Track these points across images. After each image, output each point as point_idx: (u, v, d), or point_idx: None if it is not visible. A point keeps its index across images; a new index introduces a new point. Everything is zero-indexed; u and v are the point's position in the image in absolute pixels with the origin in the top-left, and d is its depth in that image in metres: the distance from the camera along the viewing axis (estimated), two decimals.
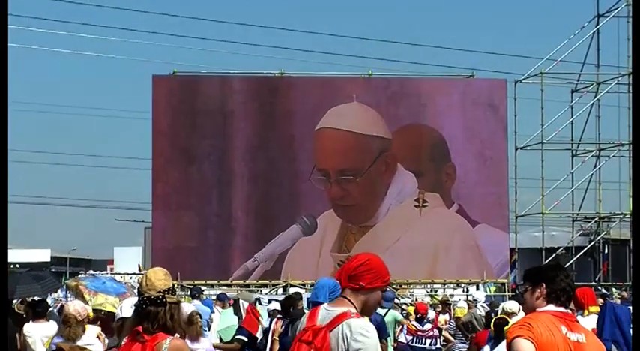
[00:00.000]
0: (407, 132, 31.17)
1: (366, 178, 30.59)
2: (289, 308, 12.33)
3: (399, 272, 30.90)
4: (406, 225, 30.67)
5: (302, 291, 26.51)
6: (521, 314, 6.37)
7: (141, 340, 5.65)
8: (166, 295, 5.75)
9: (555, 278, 5.57)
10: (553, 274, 5.59)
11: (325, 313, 5.46)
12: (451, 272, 30.78)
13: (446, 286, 31.98)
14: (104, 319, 10.64)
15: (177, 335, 5.73)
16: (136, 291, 12.77)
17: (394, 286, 31.03)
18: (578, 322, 5.66)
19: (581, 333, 5.52)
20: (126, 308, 7.40)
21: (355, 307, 5.44)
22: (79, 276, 21.23)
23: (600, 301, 13.48)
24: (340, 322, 5.34)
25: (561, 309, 5.54)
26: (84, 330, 9.46)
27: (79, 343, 9.29)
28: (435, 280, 31.73)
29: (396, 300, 27.94)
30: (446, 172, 31.24)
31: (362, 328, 5.30)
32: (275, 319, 13.22)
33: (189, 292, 22.43)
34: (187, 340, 6.51)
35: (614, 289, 33.65)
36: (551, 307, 5.51)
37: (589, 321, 11.16)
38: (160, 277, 5.85)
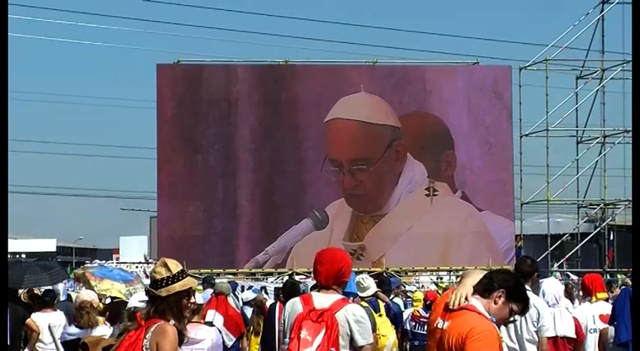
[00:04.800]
0: (410, 120, 31.16)
1: (378, 167, 30.64)
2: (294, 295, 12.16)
3: (411, 260, 31.01)
4: (417, 213, 30.72)
5: (309, 280, 26.54)
6: None
7: (136, 327, 5.84)
8: (150, 289, 5.87)
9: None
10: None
11: (321, 299, 6.58)
12: (463, 260, 30.80)
13: (452, 273, 32.00)
14: (112, 309, 10.67)
15: (172, 322, 5.82)
16: (142, 280, 12.82)
17: (399, 273, 31.11)
18: (459, 309, 5.47)
19: (448, 320, 5.42)
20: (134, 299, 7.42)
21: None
22: (87, 265, 21.26)
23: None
24: (342, 306, 6.48)
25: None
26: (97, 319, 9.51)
27: (96, 331, 9.31)
28: (441, 268, 31.77)
29: (401, 287, 28.01)
30: (446, 160, 31.25)
31: (362, 314, 6.51)
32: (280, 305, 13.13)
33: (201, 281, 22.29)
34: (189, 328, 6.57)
35: (619, 276, 33.64)
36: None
37: (597, 307, 11.18)
38: (153, 271, 5.93)
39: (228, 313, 13.38)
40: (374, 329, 9.20)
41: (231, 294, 14.93)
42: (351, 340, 6.49)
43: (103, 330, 9.33)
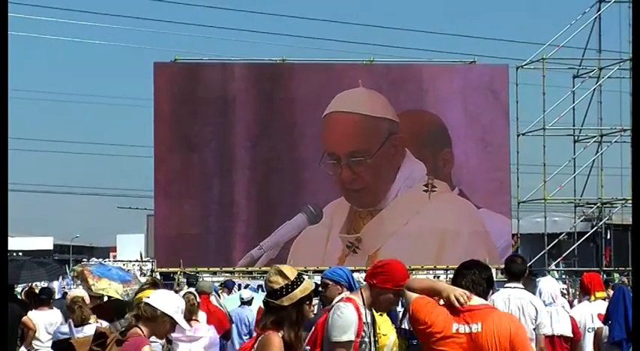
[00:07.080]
0: (407, 118, 31.13)
1: (376, 160, 30.56)
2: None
3: (407, 256, 30.85)
4: (415, 209, 30.65)
5: (305, 277, 26.46)
6: None
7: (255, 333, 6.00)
8: (269, 300, 5.70)
9: (467, 275, 5.67)
10: (466, 271, 5.71)
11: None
12: (459, 257, 30.55)
13: (449, 271, 31.94)
14: (103, 306, 10.66)
15: (281, 333, 5.63)
16: (140, 279, 12.82)
17: None
18: (479, 310, 5.52)
19: (477, 322, 5.44)
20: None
21: (363, 299, 6.17)
22: (86, 262, 21.24)
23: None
24: (333, 306, 6.23)
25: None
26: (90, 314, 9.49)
27: (89, 326, 9.29)
28: (438, 266, 31.72)
29: None
30: (443, 158, 31.20)
31: (338, 309, 6.13)
32: None
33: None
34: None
35: (615, 275, 33.66)
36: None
37: (596, 306, 11.16)
38: (268, 281, 5.76)
39: (210, 311, 13.53)
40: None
41: (214, 292, 15.15)
42: None
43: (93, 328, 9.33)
